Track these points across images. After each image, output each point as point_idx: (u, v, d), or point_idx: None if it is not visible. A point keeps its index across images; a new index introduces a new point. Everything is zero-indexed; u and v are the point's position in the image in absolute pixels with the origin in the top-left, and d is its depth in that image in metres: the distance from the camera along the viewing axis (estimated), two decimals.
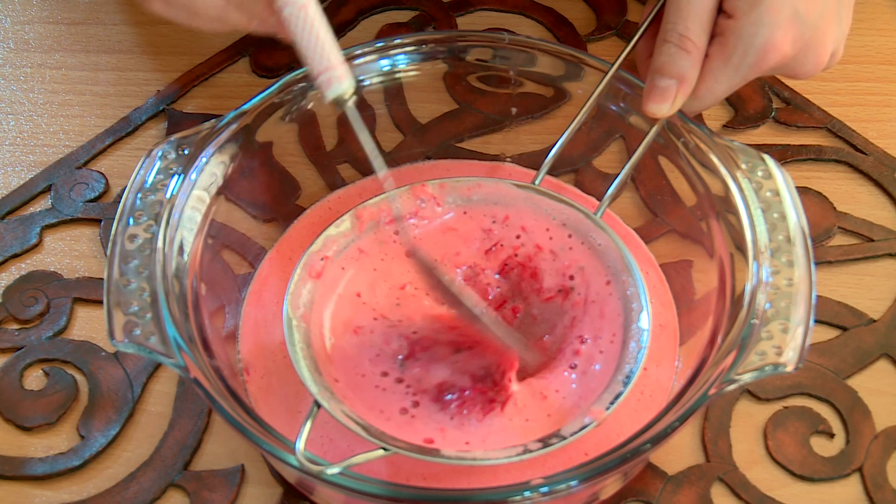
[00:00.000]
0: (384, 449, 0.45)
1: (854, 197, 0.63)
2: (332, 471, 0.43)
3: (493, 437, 0.49)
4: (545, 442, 0.47)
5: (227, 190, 0.53)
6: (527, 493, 0.42)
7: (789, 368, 0.44)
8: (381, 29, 0.72)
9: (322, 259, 0.54)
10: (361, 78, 0.59)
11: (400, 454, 0.46)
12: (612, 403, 0.48)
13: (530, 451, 0.46)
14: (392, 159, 0.62)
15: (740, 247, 0.49)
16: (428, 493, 0.46)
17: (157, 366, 0.56)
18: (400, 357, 0.52)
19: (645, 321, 0.51)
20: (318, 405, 0.47)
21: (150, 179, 0.50)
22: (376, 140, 0.49)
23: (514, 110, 0.64)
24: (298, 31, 0.46)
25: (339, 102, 0.47)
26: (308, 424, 0.45)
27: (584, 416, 0.48)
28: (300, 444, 0.43)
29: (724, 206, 0.51)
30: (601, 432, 0.50)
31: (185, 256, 0.49)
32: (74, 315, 0.58)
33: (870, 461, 0.52)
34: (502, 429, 0.49)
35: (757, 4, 0.50)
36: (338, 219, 0.55)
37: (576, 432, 0.47)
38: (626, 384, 0.49)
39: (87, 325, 0.58)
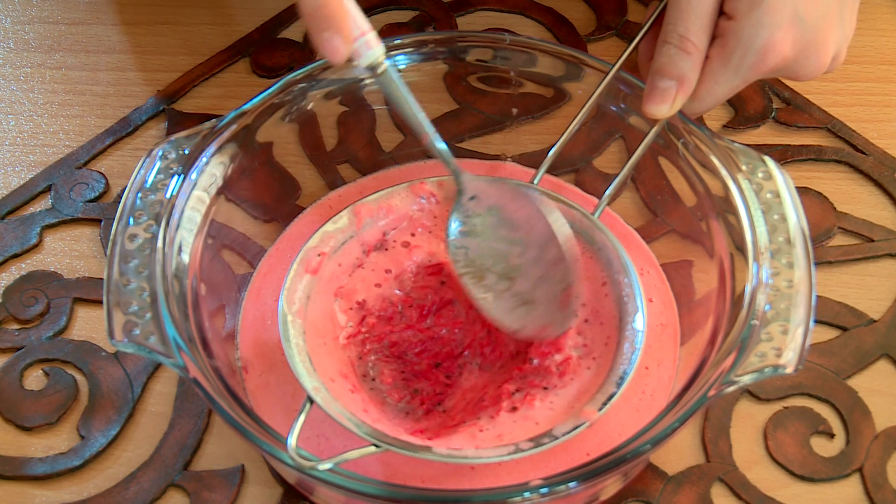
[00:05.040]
0: (376, 446, 0.45)
1: (854, 197, 0.63)
2: (324, 466, 0.43)
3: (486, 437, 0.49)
4: (537, 442, 0.47)
5: (227, 190, 0.53)
6: (526, 494, 0.42)
7: (789, 370, 0.44)
8: (381, 29, 0.72)
9: (319, 255, 0.54)
10: (361, 78, 0.59)
11: (391, 451, 0.46)
12: (604, 404, 0.48)
13: (522, 451, 0.46)
14: (392, 159, 0.62)
15: (740, 247, 0.49)
16: (427, 493, 0.45)
17: (157, 366, 0.56)
18: (397, 356, 0.52)
19: (640, 322, 0.51)
20: (311, 401, 0.47)
21: (151, 179, 0.50)
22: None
23: (514, 110, 0.64)
24: None
25: (373, 67, 0.49)
26: (300, 419, 0.45)
27: (578, 417, 0.48)
28: (292, 440, 0.43)
29: (724, 207, 0.51)
30: (603, 432, 0.50)
31: (185, 256, 0.49)
32: (74, 315, 0.58)
33: (870, 461, 0.52)
34: (496, 427, 0.49)
35: (757, 6, 0.50)
36: (335, 215, 0.55)
37: (568, 432, 0.47)
38: (619, 385, 0.49)
39: (87, 325, 0.58)
